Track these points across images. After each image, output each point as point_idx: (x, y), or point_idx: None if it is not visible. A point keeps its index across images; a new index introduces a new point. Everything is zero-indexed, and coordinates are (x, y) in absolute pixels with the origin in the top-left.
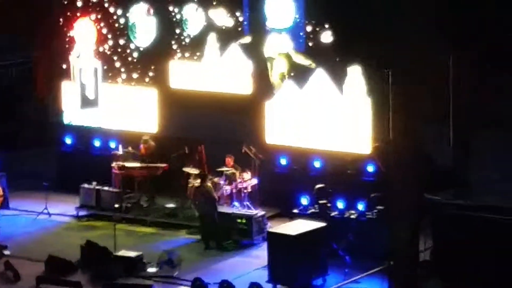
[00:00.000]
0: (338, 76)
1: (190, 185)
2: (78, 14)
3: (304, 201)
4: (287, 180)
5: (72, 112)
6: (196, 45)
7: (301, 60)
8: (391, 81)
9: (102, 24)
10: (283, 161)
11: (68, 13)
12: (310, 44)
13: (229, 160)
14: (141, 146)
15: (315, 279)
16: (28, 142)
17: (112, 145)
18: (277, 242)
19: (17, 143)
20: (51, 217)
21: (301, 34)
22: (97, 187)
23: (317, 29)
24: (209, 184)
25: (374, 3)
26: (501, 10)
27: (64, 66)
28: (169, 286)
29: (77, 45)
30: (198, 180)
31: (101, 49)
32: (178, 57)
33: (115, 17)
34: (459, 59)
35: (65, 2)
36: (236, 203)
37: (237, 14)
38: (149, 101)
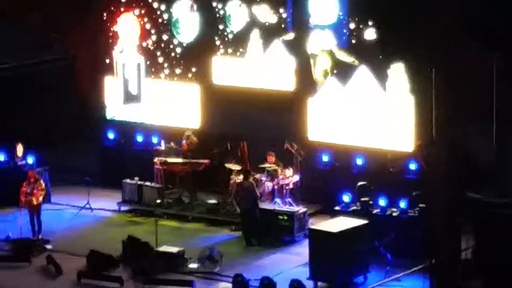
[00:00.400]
0: (381, 73)
1: (232, 181)
2: (122, 9)
3: (346, 198)
4: (329, 177)
5: (115, 107)
6: (239, 41)
7: (344, 57)
8: (434, 79)
9: (145, 20)
10: (325, 158)
11: (112, 8)
12: (354, 41)
13: (271, 157)
14: (184, 141)
15: (356, 277)
16: (69, 137)
17: (155, 140)
18: (318, 239)
19: (58, 137)
20: (93, 211)
21: (344, 31)
22: (139, 183)
23: (361, 26)
24: (251, 180)
25: (417, 1)
26: None
27: (107, 61)
28: (210, 282)
29: (121, 40)
30: (240, 177)
31: (144, 44)
32: (221, 53)
33: (158, 12)
34: (502, 57)
35: None
36: (277, 200)
37: (281, 10)
38: (191, 96)
